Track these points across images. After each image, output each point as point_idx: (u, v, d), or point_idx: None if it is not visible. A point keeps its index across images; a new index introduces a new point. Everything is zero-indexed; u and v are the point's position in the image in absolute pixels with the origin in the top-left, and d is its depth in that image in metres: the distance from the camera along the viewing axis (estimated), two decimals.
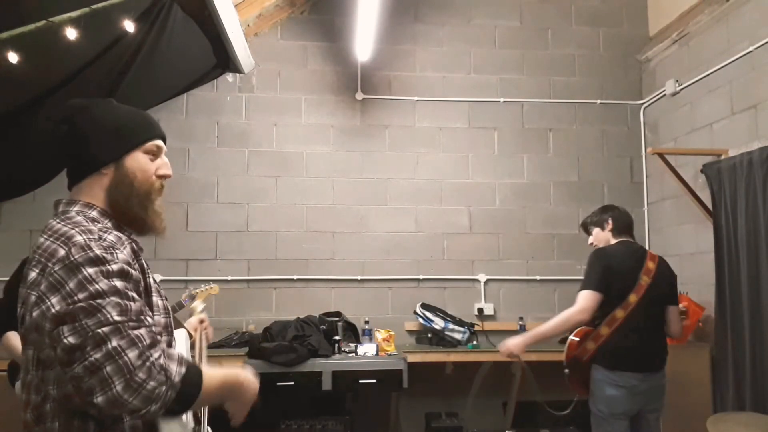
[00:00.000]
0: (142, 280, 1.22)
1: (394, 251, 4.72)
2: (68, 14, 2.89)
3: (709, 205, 3.94)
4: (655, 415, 3.00)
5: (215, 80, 4.70)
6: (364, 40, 4.30)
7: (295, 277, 4.61)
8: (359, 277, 4.66)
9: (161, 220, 1.36)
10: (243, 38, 4.27)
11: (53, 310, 1.07)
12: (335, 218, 4.71)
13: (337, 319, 4.36)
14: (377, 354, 4.05)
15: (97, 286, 1.08)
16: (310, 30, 4.86)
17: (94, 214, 1.27)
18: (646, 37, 5.03)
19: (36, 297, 1.11)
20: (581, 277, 4.69)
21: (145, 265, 1.27)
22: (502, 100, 4.93)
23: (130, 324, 1.06)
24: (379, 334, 4.18)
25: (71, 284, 1.07)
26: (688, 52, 4.41)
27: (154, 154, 1.35)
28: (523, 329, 4.56)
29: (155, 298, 1.28)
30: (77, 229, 1.17)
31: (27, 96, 3.44)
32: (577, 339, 3.02)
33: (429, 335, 4.46)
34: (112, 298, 1.07)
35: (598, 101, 4.98)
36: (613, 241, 3.16)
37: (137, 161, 1.31)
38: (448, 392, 4.57)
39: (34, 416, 1.14)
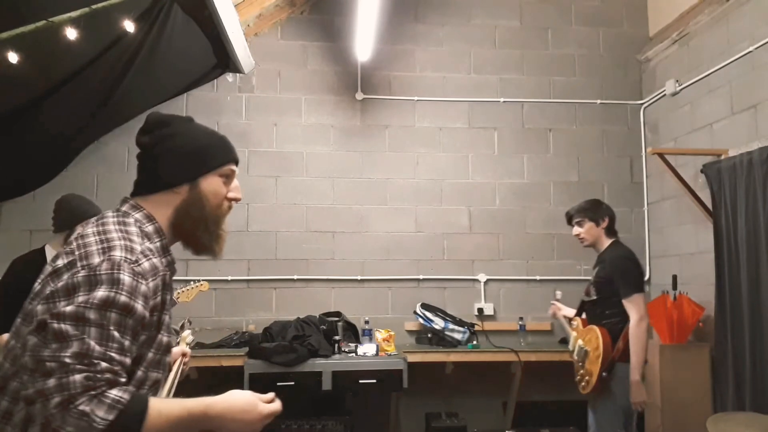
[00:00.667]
0: (156, 315, 1.22)
1: (394, 251, 4.72)
2: (68, 14, 2.89)
3: (709, 205, 3.94)
4: None
5: (215, 80, 4.70)
6: (364, 40, 4.31)
7: (295, 277, 4.61)
8: (359, 277, 4.66)
9: (222, 244, 1.38)
10: (243, 38, 4.27)
11: (46, 315, 1.09)
12: (335, 218, 4.71)
13: (337, 319, 4.37)
14: (377, 354, 4.05)
15: (88, 313, 1.08)
16: (310, 30, 4.86)
17: (150, 228, 1.28)
18: (646, 37, 5.03)
19: (51, 290, 1.13)
20: (581, 277, 4.78)
21: (167, 300, 1.27)
22: (502, 100, 4.93)
23: (74, 365, 1.05)
24: (379, 334, 4.18)
25: (80, 297, 1.10)
26: (688, 52, 4.41)
27: (228, 177, 1.37)
28: (522, 329, 4.57)
29: (162, 336, 1.27)
30: (122, 243, 1.19)
31: (27, 96, 3.44)
32: (608, 341, 3.00)
33: (429, 335, 4.46)
34: (90, 331, 1.07)
35: (598, 101, 4.98)
36: (606, 239, 3.19)
37: (212, 184, 1.34)
38: (448, 392, 4.57)
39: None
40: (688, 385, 3.88)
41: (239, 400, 1.23)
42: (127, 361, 1.13)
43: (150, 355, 1.24)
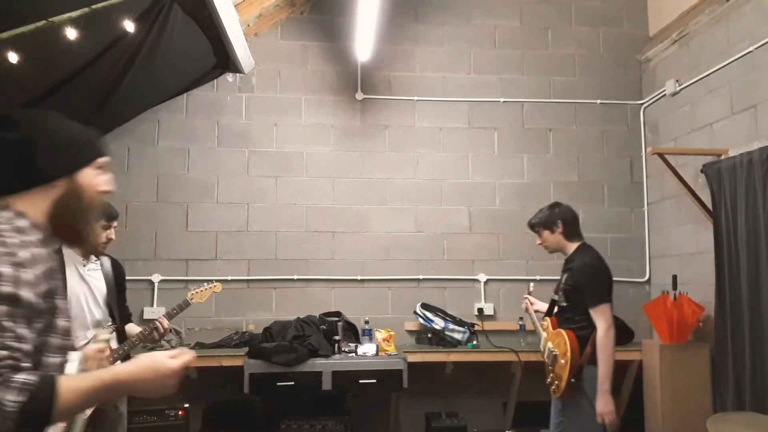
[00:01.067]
0: (50, 302, 1.25)
1: (394, 251, 4.72)
2: (68, 14, 2.90)
3: (709, 205, 3.94)
4: None
5: (215, 80, 4.70)
6: (364, 40, 4.31)
7: (295, 277, 4.61)
8: (359, 277, 4.66)
9: (97, 236, 1.42)
10: (243, 38, 4.27)
11: None
12: (335, 218, 4.71)
13: (337, 319, 4.37)
14: (377, 354, 4.05)
15: None
16: (310, 30, 4.86)
17: (21, 223, 1.28)
18: (646, 37, 5.03)
19: None
20: None
21: (59, 286, 1.30)
22: (502, 100, 4.93)
23: None
24: (379, 334, 4.18)
25: None
26: (688, 52, 4.41)
27: (101, 169, 1.40)
28: (522, 329, 4.57)
29: (60, 320, 1.30)
30: None
31: (27, 96, 3.44)
32: (576, 347, 2.98)
33: (429, 335, 4.46)
34: None
35: (598, 101, 4.98)
36: (570, 243, 3.15)
37: (88, 176, 1.37)
38: (448, 392, 4.57)
39: None
40: (688, 385, 3.88)
41: (145, 360, 1.28)
42: (26, 347, 1.16)
43: (52, 340, 1.27)
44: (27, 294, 1.18)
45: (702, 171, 3.99)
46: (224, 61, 4.40)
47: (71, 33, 2.93)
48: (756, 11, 3.74)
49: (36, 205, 1.31)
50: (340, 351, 4.08)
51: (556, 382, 3.02)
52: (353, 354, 4.05)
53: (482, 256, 4.78)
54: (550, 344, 3.11)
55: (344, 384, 3.91)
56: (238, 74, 4.71)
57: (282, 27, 4.84)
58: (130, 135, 4.57)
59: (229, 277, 4.52)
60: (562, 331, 3.01)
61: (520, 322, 4.59)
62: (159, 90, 4.40)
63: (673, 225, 4.57)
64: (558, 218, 3.14)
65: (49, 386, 1.13)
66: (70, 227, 1.34)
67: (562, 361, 2.97)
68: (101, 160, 1.41)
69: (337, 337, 4.16)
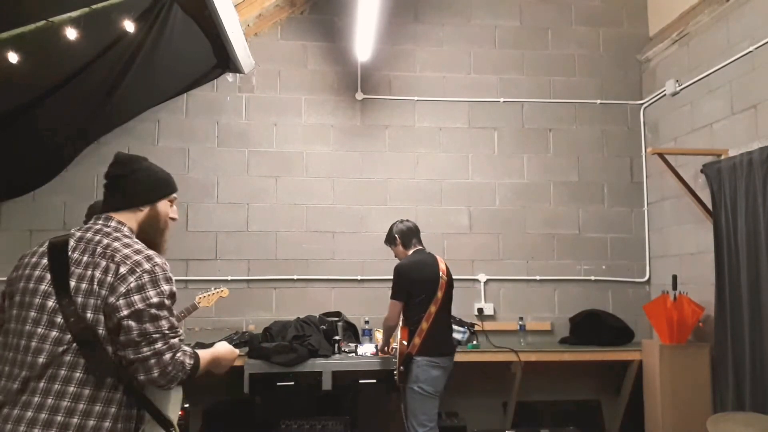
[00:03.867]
0: None
1: None
2: (68, 14, 2.90)
3: (709, 205, 3.94)
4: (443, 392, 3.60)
5: (215, 80, 4.70)
6: (364, 40, 4.30)
7: (295, 277, 4.61)
8: (359, 277, 4.66)
9: (166, 246, 1.92)
10: (243, 38, 4.27)
11: (136, 306, 1.57)
12: (335, 218, 4.71)
13: (337, 319, 4.36)
14: (377, 354, 4.04)
15: (164, 300, 1.63)
16: (310, 30, 4.86)
17: (127, 230, 1.75)
18: (646, 37, 5.03)
19: (122, 287, 1.59)
20: (581, 277, 4.80)
21: None
22: (502, 100, 4.93)
23: (170, 334, 1.62)
24: (379, 334, 4.18)
25: (151, 292, 1.61)
26: (688, 52, 4.41)
27: (172, 202, 1.90)
28: (522, 329, 4.57)
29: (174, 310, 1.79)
30: (149, 252, 1.69)
31: (27, 96, 3.44)
32: (405, 342, 3.51)
33: None
34: (166, 313, 1.62)
35: (598, 101, 4.98)
36: (407, 251, 3.70)
37: (163, 206, 1.86)
38: (448, 392, 4.56)
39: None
40: (688, 385, 3.88)
41: (227, 345, 2.01)
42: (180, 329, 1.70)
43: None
44: (175, 289, 1.72)
45: (702, 171, 3.99)
46: (224, 61, 4.40)
47: (71, 33, 2.93)
48: (756, 11, 3.74)
49: (128, 221, 1.77)
50: (340, 351, 4.07)
51: (394, 371, 3.61)
52: (353, 354, 4.05)
53: (482, 256, 4.78)
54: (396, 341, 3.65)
55: (344, 384, 3.90)
56: (238, 74, 4.71)
57: (282, 27, 4.84)
58: (130, 135, 4.57)
59: (229, 277, 4.52)
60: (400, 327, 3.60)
61: (520, 322, 4.59)
62: (159, 90, 4.40)
63: (673, 225, 4.57)
64: (395, 234, 3.74)
65: (197, 355, 1.72)
66: (151, 242, 1.79)
67: (399, 352, 3.54)
68: (173, 195, 1.90)
69: (337, 337, 4.16)
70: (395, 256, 3.79)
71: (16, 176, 4.20)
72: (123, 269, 1.60)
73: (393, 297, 3.57)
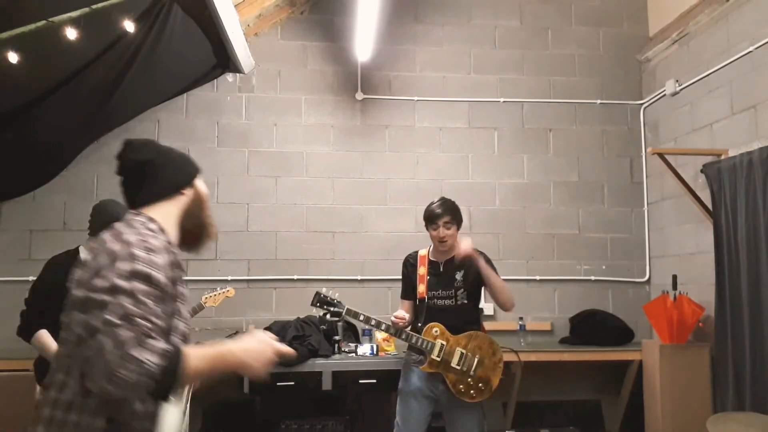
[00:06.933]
0: (176, 288, 1.45)
1: (394, 251, 4.70)
2: (68, 14, 2.90)
3: (709, 205, 3.94)
4: None
5: (215, 80, 4.70)
6: (364, 40, 4.31)
7: (295, 277, 4.61)
8: (359, 277, 4.66)
9: (215, 226, 1.69)
10: (243, 38, 4.27)
11: (82, 293, 1.32)
12: (335, 218, 4.70)
13: (337, 319, 4.36)
14: (377, 354, 4.05)
15: (118, 282, 1.30)
16: (310, 30, 4.86)
17: (153, 225, 1.48)
18: (646, 37, 5.03)
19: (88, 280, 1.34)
20: (581, 277, 4.80)
21: (180, 276, 1.49)
22: (502, 100, 4.93)
23: (121, 324, 1.26)
24: (379, 334, 4.18)
25: (108, 273, 1.31)
26: (688, 52, 4.41)
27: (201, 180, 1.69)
28: (522, 329, 4.57)
29: (182, 306, 1.50)
30: (132, 231, 1.42)
31: (27, 96, 3.44)
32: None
33: None
34: (122, 299, 1.29)
35: (598, 101, 4.98)
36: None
37: (201, 184, 1.65)
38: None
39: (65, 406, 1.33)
40: (688, 385, 3.88)
41: (254, 336, 1.51)
42: (160, 323, 1.35)
43: (178, 324, 1.46)
44: (158, 275, 1.37)
45: (702, 171, 3.98)
46: (224, 61, 4.40)
47: (71, 33, 2.93)
48: (756, 11, 3.74)
49: (166, 213, 1.53)
50: (340, 351, 4.08)
51: (479, 385, 3.08)
52: (353, 354, 4.05)
53: None
54: (460, 350, 3.10)
55: (344, 384, 3.90)
56: (238, 74, 4.71)
57: (282, 27, 4.84)
58: (130, 135, 4.56)
59: (229, 277, 4.52)
60: (481, 333, 3.17)
61: (520, 322, 4.59)
62: (159, 90, 4.40)
63: (673, 225, 4.57)
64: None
65: (180, 353, 1.33)
66: (202, 226, 1.61)
67: (492, 362, 3.10)
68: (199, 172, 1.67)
69: (337, 337, 4.16)
70: (448, 242, 3.18)
71: (16, 176, 4.19)
72: (90, 259, 1.39)
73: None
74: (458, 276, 3.22)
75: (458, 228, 3.23)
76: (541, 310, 4.77)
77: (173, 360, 1.30)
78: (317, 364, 3.89)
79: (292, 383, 3.81)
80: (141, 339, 1.26)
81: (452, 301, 3.20)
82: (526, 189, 4.88)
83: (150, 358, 1.26)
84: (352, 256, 4.70)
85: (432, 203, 3.26)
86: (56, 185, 4.44)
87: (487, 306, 4.72)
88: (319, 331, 4.18)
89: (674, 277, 4.15)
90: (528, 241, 4.84)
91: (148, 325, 1.29)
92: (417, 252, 3.38)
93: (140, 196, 1.53)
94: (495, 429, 4.47)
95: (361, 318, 3.21)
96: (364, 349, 4.08)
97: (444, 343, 3.10)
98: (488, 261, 3.21)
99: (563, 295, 4.79)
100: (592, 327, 4.50)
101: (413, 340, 3.13)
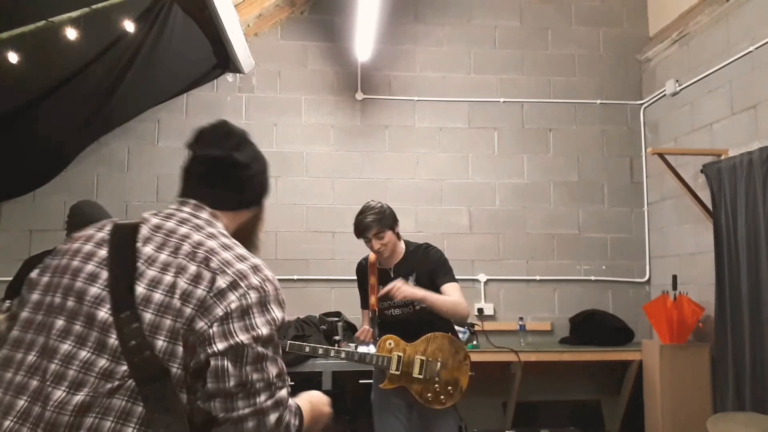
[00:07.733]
0: None
1: None
2: (68, 14, 2.90)
3: (709, 205, 3.94)
4: None
5: (215, 80, 4.70)
6: (364, 40, 4.31)
7: (295, 277, 4.61)
8: None
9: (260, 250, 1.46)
10: (243, 38, 4.27)
11: (236, 339, 1.07)
12: (335, 218, 4.70)
13: (337, 319, 4.36)
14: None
15: (274, 333, 1.15)
16: (310, 30, 4.86)
17: (222, 227, 1.27)
18: (646, 37, 5.03)
19: (217, 308, 1.09)
20: (581, 277, 4.79)
21: None
22: (502, 100, 4.93)
23: (278, 383, 1.14)
24: None
25: (259, 320, 1.13)
26: (688, 52, 4.41)
27: None
28: (522, 329, 4.57)
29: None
30: (255, 260, 1.23)
31: (27, 96, 3.44)
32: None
33: None
34: (275, 352, 1.15)
35: (598, 101, 4.98)
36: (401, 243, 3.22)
37: (266, 203, 1.42)
38: None
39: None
40: (688, 385, 3.88)
41: (319, 394, 1.42)
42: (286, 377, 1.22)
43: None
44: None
45: (702, 171, 3.98)
46: (224, 61, 4.40)
47: (71, 33, 2.93)
48: (756, 11, 3.74)
49: (231, 223, 1.30)
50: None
51: (448, 388, 2.82)
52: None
53: (482, 256, 4.78)
54: (420, 357, 2.84)
55: (344, 384, 3.90)
56: (238, 74, 4.71)
57: (282, 27, 4.84)
58: (130, 135, 4.57)
59: None
60: (439, 334, 2.88)
61: (520, 322, 4.59)
62: (159, 90, 4.40)
63: (673, 225, 4.57)
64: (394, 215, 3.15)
65: (302, 411, 1.23)
66: (245, 244, 1.33)
67: (456, 361, 2.86)
68: None
69: (337, 337, 4.16)
70: (386, 247, 3.01)
71: (16, 176, 4.20)
72: (222, 281, 1.10)
73: (454, 278, 2.99)
74: (410, 281, 2.93)
75: (393, 229, 3.02)
76: (541, 310, 4.77)
77: (302, 419, 1.20)
78: (317, 364, 3.89)
79: (293, 383, 3.79)
80: (288, 400, 1.16)
81: (409, 309, 2.91)
82: (526, 189, 4.88)
83: (293, 422, 1.15)
84: (352, 256, 4.66)
85: (357, 215, 3.03)
86: (56, 185, 4.44)
87: (487, 306, 4.73)
88: (319, 331, 4.19)
89: (674, 277, 4.15)
90: (528, 241, 4.84)
91: (284, 383, 1.16)
92: (368, 257, 3.13)
93: (215, 196, 1.27)
94: (495, 429, 4.47)
95: (307, 350, 2.99)
96: (364, 349, 4.07)
97: (401, 354, 2.84)
98: (432, 272, 2.96)
99: (563, 295, 4.79)
100: (592, 327, 4.50)
101: (367, 360, 2.89)
